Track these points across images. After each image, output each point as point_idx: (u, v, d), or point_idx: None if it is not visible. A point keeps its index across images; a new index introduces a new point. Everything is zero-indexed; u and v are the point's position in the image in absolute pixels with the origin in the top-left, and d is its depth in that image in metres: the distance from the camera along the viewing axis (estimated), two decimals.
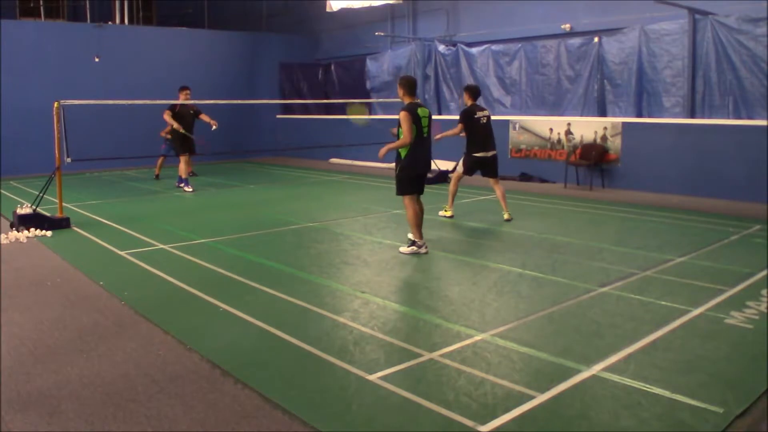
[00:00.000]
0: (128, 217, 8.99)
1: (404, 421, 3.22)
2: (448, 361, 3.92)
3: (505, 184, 12.42)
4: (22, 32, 15.20)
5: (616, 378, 3.67)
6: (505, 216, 8.54)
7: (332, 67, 18.46)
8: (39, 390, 3.59)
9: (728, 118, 10.78)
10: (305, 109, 18.81)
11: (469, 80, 14.71)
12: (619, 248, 7.00)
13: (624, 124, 11.85)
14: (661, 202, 10.33)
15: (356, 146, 14.47)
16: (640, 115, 11.92)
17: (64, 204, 8.72)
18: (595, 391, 3.52)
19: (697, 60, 11.04)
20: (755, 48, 10.31)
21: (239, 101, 14.89)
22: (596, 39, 12.35)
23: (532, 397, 3.42)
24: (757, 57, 10.31)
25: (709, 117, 11.01)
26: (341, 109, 17.53)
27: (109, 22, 17.58)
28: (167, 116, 11.83)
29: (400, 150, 6.71)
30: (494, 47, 14.23)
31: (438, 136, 8.23)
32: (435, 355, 4.02)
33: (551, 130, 13.02)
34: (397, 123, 6.67)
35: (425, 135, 6.71)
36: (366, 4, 16.49)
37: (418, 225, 6.75)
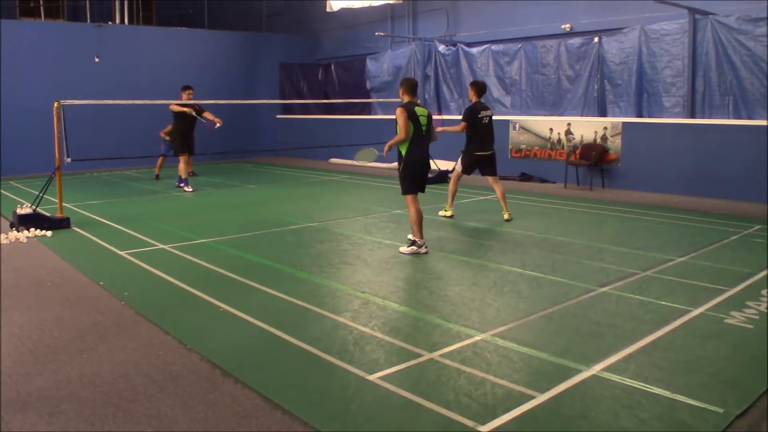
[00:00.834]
0: (128, 217, 8.99)
1: (404, 421, 3.22)
2: (448, 361, 3.91)
3: (505, 184, 12.42)
4: (22, 32, 15.20)
5: (616, 378, 3.67)
6: (505, 216, 8.54)
7: (332, 67, 18.46)
8: (39, 390, 3.59)
9: (728, 118, 10.78)
10: (305, 109, 18.82)
11: (469, 80, 14.70)
12: (619, 248, 7.00)
13: (624, 124, 11.85)
14: (661, 202, 10.34)
15: (356, 146, 14.43)
16: (640, 115, 11.92)
17: (64, 204, 8.72)
18: (595, 391, 3.52)
19: (697, 60, 11.05)
20: (755, 48, 10.31)
21: (239, 101, 14.90)
22: (596, 39, 12.35)
23: (532, 397, 3.42)
24: (757, 57, 10.31)
25: (709, 117, 11.01)
26: (341, 109, 17.53)
27: (109, 22, 17.58)
28: (175, 107, 11.66)
29: (401, 149, 6.76)
30: (494, 47, 14.23)
31: (440, 129, 8.21)
32: (435, 355, 4.02)
33: (551, 130, 13.02)
34: (395, 122, 6.74)
35: (423, 133, 6.76)
36: (366, 4, 16.49)
37: (420, 224, 6.77)
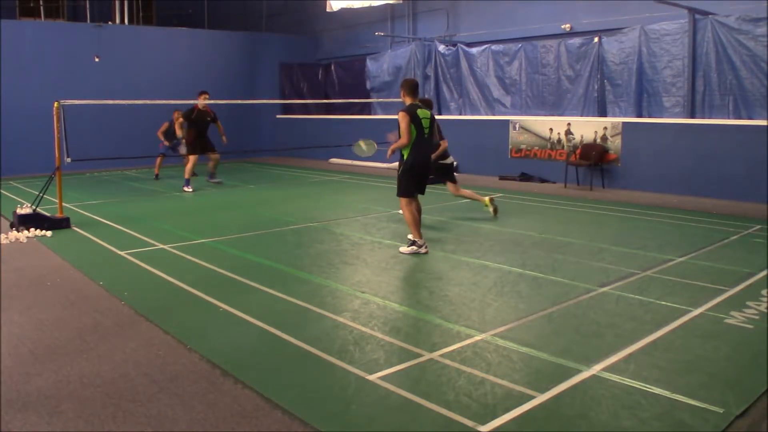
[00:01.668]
0: (128, 217, 8.99)
1: (404, 421, 3.22)
2: (448, 361, 3.91)
3: (506, 184, 12.45)
4: (22, 32, 15.20)
5: (616, 378, 3.67)
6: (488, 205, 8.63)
7: (332, 67, 18.47)
8: (39, 390, 3.59)
9: (728, 118, 10.79)
10: (305, 109, 18.82)
11: (470, 80, 14.73)
12: (619, 248, 7.00)
13: (624, 124, 11.85)
14: (661, 202, 10.33)
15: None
16: (640, 115, 11.92)
17: (64, 204, 8.72)
18: (595, 391, 3.52)
19: (697, 60, 11.05)
20: (755, 48, 10.32)
21: (239, 101, 14.89)
22: (596, 39, 12.36)
23: (532, 397, 3.42)
24: (757, 57, 10.32)
25: (709, 117, 11.02)
26: (341, 109, 17.53)
27: (109, 22, 17.58)
28: (178, 126, 12.11)
29: (403, 151, 6.75)
30: (494, 47, 14.23)
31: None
32: (435, 355, 4.02)
33: (551, 130, 13.02)
34: (396, 125, 6.71)
35: (426, 136, 6.74)
36: (366, 4, 16.50)
37: (417, 225, 6.77)
